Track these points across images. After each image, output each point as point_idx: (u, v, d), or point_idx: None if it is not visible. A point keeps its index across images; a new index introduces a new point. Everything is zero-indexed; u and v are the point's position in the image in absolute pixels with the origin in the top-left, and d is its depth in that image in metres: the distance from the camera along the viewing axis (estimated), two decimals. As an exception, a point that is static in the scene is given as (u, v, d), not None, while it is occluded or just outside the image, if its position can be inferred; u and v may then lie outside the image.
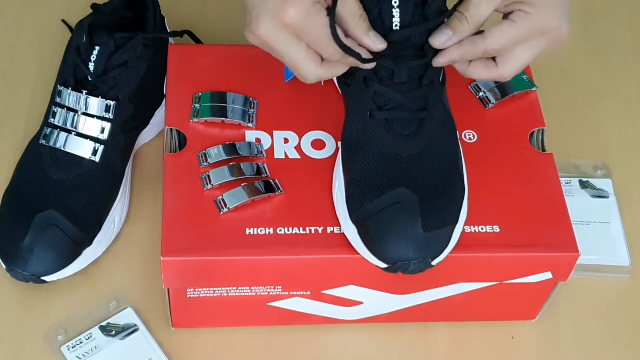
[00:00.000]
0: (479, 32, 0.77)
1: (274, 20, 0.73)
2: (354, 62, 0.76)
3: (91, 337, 0.86)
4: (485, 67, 0.78)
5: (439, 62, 0.78)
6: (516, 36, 0.76)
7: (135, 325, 0.87)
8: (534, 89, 0.92)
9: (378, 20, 0.77)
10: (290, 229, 0.81)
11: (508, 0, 0.76)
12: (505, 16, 0.77)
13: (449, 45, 0.77)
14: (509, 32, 0.76)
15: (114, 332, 0.87)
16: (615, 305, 0.93)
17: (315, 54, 0.75)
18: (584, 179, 1.00)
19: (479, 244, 0.81)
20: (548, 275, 0.83)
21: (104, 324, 0.87)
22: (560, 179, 0.86)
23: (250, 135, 0.87)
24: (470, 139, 0.88)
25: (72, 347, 0.86)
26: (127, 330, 0.87)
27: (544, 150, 0.89)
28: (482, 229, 0.82)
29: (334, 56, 0.75)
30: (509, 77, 0.78)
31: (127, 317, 0.88)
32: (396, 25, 0.77)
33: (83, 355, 0.85)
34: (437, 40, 0.77)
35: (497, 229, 0.82)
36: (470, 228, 0.81)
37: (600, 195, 0.99)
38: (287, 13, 0.72)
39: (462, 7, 0.76)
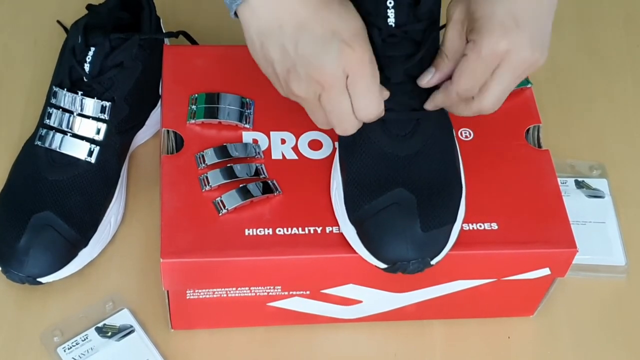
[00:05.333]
0: None
1: (340, 64, 0.71)
2: None
3: (87, 338, 0.86)
4: (465, 104, 0.78)
5: (427, 106, 0.80)
6: (473, 70, 0.74)
7: (131, 326, 0.87)
8: (529, 85, 0.92)
9: (374, 21, 0.77)
10: (289, 229, 0.81)
11: (468, 27, 0.76)
12: None
13: (433, 83, 0.78)
14: (465, 69, 0.74)
15: (110, 333, 0.87)
16: (611, 304, 0.94)
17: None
18: (580, 179, 1.00)
19: (477, 241, 0.81)
20: (546, 271, 0.84)
21: (100, 325, 0.87)
22: (556, 179, 0.87)
23: (247, 136, 0.87)
24: (466, 137, 0.88)
25: (68, 349, 0.85)
26: (123, 332, 0.87)
27: (539, 146, 0.89)
28: (480, 226, 0.82)
29: (374, 112, 0.75)
30: (492, 110, 0.77)
31: (123, 318, 0.88)
32: (391, 25, 0.77)
33: (79, 356, 0.85)
34: (423, 79, 0.79)
35: (495, 226, 0.82)
36: (468, 226, 0.82)
37: (596, 195, 0.99)
38: (352, 57, 0.71)
39: (441, 45, 0.78)
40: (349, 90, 0.73)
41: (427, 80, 0.78)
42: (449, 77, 0.77)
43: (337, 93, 0.73)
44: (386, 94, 0.77)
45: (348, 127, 0.76)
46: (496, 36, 0.72)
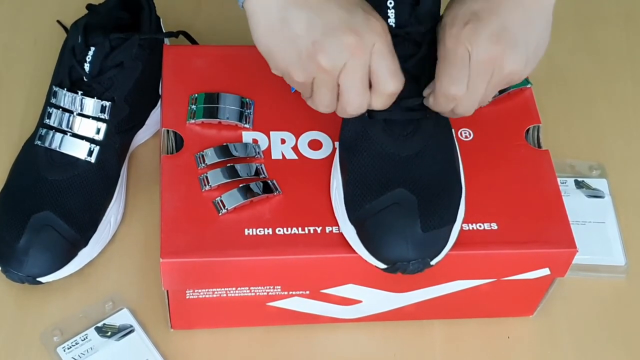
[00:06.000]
0: None
1: (367, 25, 0.72)
2: None
3: (87, 338, 0.86)
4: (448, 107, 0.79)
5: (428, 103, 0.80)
6: (445, 69, 0.75)
7: (131, 326, 0.87)
8: (529, 85, 0.92)
9: None
10: (289, 229, 0.81)
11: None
12: None
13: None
14: (439, 70, 0.75)
15: (109, 333, 0.87)
16: (611, 304, 0.94)
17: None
18: (580, 179, 1.00)
19: (477, 241, 0.81)
20: (546, 272, 0.84)
21: (99, 324, 0.87)
22: (556, 178, 0.87)
23: (247, 136, 0.87)
24: (466, 137, 0.88)
25: (68, 348, 0.85)
26: (122, 331, 0.87)
27: (539, 146, 0.89)
28: (480, 226, 0.82)
29: (396, 87, 0.75)
30: (463, 112, 0.77)
31: (122, 318, 0.88)
32: (392, 25, 0.77)
33: (79, 356, 0.85)
34: (425, 90, 0.79)
35: (494, 226, 0.82)
36: (468, 226, 0.82)
37: (596, 195, 0.99)
38: (377, 24, 0.72)
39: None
40: (373, 61, 0.73)
41: (428, 91, 0.79)
42: None
43: (364, 60, 0.72)
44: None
45: (360, 104, 0.75)
46: (455, 30, 0.74)
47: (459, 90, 0.75)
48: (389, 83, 0.74)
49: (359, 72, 0.73)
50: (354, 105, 0.75)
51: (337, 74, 0.73)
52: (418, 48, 0.78)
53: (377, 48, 0.73)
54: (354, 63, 0.72)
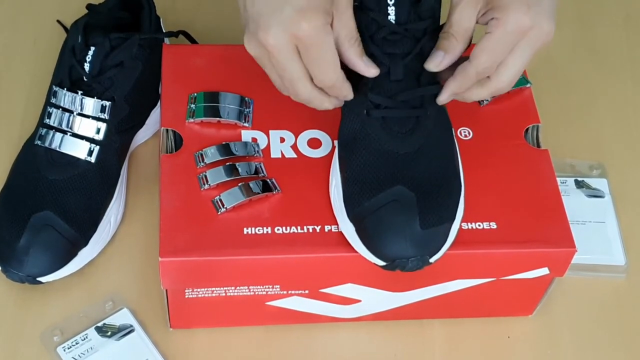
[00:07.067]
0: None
1: (286, 31, 0.72)
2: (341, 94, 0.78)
3: (87, 337, 0.86)
4: (480, 86, 0.78)
5: (441, 99, 0.80)
6: (496, 46, 0.75)
7: (131, 326, 0.87)
8: (528, 85, 0.92)
9: (375, 17, 0.77)
10: (288, 227, 0.81)
11: (484, 9, 0.76)
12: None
13: (444, 65, 0.78)
14: (488, 45, 0.75)
15: (109, 333, 0.87)
16: (610, 304, 0.94)
17: (309, 74, 0.76)
18: (580, 179, 1.00)
19: (476, 240, 0.81)
20: (545, 271, 0.84)
21: (99, 324, 0.87)
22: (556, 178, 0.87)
23: (246, 135, 0.87)
24: (465, 136, 0.88)
25: (68, 348, 0.85)
26: (123, 331, 0.87)
27: (538, 146, 0.89)
28: (479, 225, 0.82)
29: (328, 80, 0.76)
30: (507, 88, 0.78)
31: (122, 317, 0.88)
32: (392, 22, 0.77)
33: (79, 356, 0.85)
34: (432, 63, 0.78)
35: (493, 225, 0.82)
36: (467, 225, 0.82)
37: (596, 194, 0.99)
38: (300, 26, 0.72)
39: (446, 27, 0.78)
40: (302, 58, 0.74)
41: (437, 62, 0.78)
42: (455, 65, 0.78)
43: (284, 59, 0.74)
44: (375, 71, 0.77)
45: (301, 94, 0.77)
46: (522, 12, 0.74)
47: (492, 70, 0.76)
48: (319, 79, 0.75)
49: (282, 66, 0.74)
50: (294, 94, 0.77)
51: (269, 62, 0.75)
52: (417, 43, 0.78)
53: (301, 49, 0.73)
54: (275, 59, 0.74)
